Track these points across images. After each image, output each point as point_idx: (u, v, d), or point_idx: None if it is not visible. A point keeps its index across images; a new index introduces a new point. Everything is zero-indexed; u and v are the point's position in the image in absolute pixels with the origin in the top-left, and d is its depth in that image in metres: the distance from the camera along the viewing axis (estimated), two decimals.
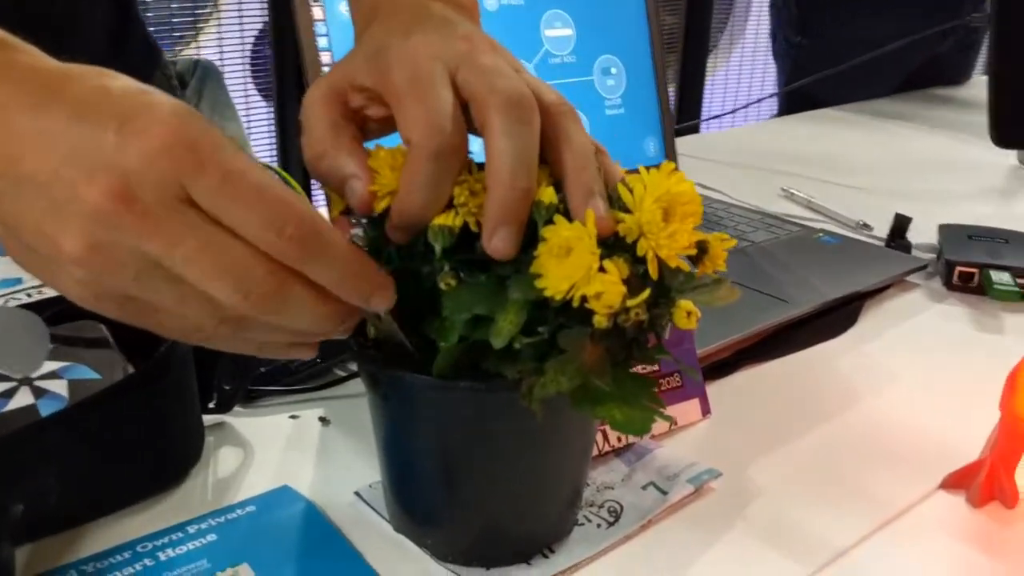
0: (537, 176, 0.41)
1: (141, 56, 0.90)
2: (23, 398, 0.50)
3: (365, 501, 0.51)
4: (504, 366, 0.41)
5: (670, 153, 0.95)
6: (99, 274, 0.35)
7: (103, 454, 0.48)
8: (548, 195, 0.41)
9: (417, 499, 0.48)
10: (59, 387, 0.50)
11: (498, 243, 0.40)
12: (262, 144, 2.27)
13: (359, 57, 0.43)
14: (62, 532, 0.48)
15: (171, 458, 0.52)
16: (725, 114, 1.43)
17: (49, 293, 0.62)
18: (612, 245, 0.40)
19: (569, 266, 0.38)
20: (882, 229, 0.93)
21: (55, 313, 0.55)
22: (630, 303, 0.38)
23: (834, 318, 0.75)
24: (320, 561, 0.46)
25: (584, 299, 0.38)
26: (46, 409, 0.49)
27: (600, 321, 0.39)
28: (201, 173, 0.34)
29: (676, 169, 0.41)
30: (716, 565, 0.48)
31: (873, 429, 0.60)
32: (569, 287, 0.38)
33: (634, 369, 0.42)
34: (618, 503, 0.51)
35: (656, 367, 0.57)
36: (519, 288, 0.40)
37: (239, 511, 0.50)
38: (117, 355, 0.54)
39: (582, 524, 0.49)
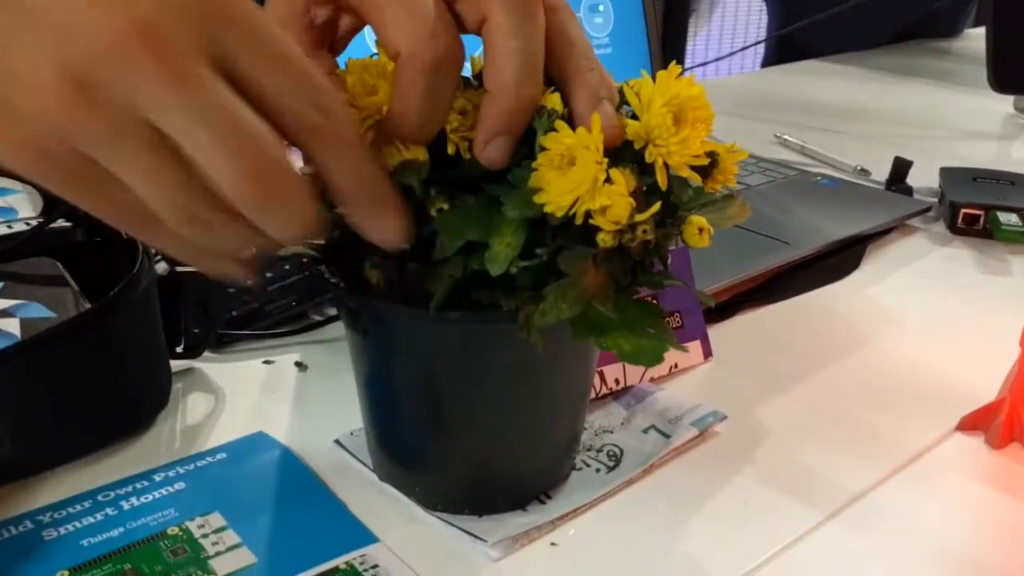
0: None
1: None
2: None
3: (346, 449, 0.47)
4: (500, 295, 0.37)
5: None
6: (66, 121, 0.28)
7: (59, 396, 0.44)
8: (553, 101, 0.37)
9: (403, 445, 0.44)
10: (11, 326, 0.46)
11: (493, 152, 0.36)
12: None
13: None
14: (17, 481, 0.44)
15: (134, 402, 0.48)
16: (710, 61, 1.38)
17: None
18: (615, 154, 0.36)
19: (572, 178, 0.34)
20: (880, 174, 0.90)
21: (8, 249, 0.51)
22: (639, 218, 0.35)
23: (836, 261, 0.71)
24: (298, 509, 0.43)
25: (588, 215, 0.35)
26: None
27: (605, 239, 0.35)
28: (234, 27, 0.29)
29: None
30: (724, 511, 0.44)
31: (883, 371, 0.57)
32: (572, 201, 0.35)
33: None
34: (618, 447, 0.48)
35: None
36: (515, 205, 0.36)
37: (209, 458, 0.46)
38: (74, 293, 0.50)
39: (580, 469, 0.46)
